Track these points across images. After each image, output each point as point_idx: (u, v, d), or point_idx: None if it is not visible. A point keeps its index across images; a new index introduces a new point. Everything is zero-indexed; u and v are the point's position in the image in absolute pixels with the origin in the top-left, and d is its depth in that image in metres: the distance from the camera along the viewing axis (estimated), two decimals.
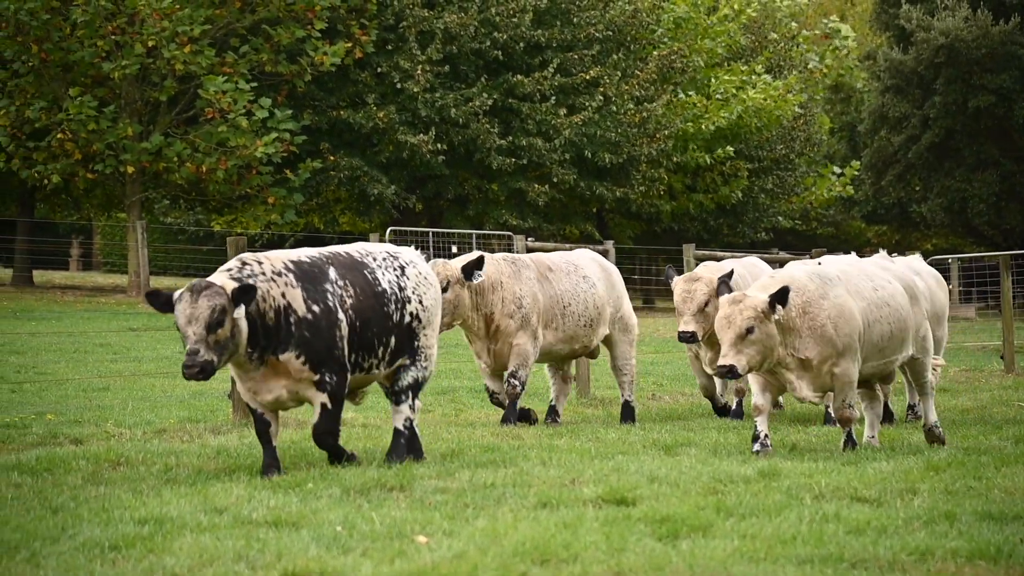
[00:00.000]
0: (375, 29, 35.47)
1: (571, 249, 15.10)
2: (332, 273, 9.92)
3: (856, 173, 47.98)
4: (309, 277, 9.77)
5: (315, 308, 9.69)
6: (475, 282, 13.03)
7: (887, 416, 14.05)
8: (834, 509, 8.35)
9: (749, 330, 10.66)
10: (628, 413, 14.15)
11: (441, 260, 13.08)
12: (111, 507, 8.44)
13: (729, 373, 10.69)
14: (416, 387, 10.48)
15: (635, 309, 15.68)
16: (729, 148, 41.25)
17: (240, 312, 9.36)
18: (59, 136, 32.66)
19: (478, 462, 10.43)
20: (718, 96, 42.11)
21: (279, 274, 9.64)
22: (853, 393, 11.14)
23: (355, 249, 10.33)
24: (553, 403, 14.12)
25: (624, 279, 14.66)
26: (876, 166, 46.88)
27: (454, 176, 37.45)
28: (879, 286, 11.48)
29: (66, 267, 51.27)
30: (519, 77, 36.70)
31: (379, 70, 36.15)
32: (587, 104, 36.88)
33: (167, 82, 32.84)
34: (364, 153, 36.61)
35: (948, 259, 36.96)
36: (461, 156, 36.96)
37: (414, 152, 35.64)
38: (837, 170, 48.97)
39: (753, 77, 43.29)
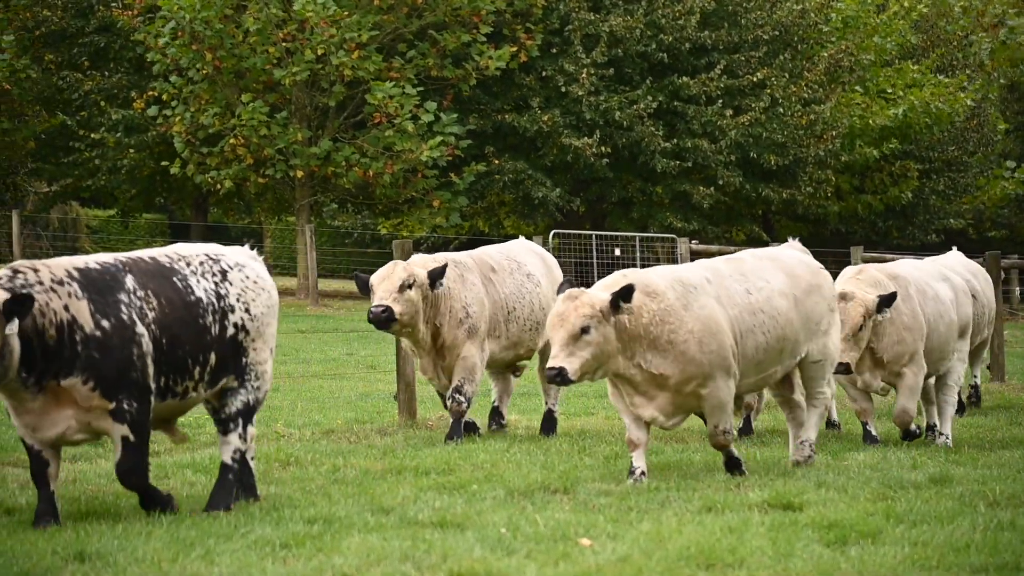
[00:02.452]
0: (540, 33, 35.59)
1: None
2: (129, 282, 8.34)
3: None
4: (98, 287, 8.20)
5: (105, 323, 8.12)
6: (438, 291, 11.85)
7: (746, 428, 12.86)
8: (1010, 517, 8.16)
9: (584, 329, 9.30)
10: (550, 424, 12.86)
11: (402, 262, 11.97)
12: (281, 506, 8.60)
13: (559, 376, 9.29)
14: (248, 412, 8.83)
15: None
16: (895, 141, 40.48)
17: (12, 328, 7.84)
18: (232, 141, 33.38)
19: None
20: (881, 96, 41.37)
21: (60, 283, 8.09)
22: (727, 417, 9.74)
23: (164, 253, 8.76)
24: (496, 404, 13.19)
25: None
26: None
27: (618, 179, 37.36)
28: (754, 288, 9.99)
29: None
30: (685, 79, 36.49)
31: (544, 74, 36.24)
32: (753, 105, 36.52)
33: (336, 88, 33.35)
34: (528, 156, 36.73)
35: None
36: (625, 159, 36.87)
37: (578, 155, 35.64)
38: (1011, 164, 47.74)
39: (920, 77, 42.42)
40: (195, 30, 32.77)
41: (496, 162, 36.09)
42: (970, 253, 15.71)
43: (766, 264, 10.23)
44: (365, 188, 35.05)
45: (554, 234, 33.92)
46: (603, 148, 35.60)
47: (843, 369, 11.47)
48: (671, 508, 8.59)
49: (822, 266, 10.50)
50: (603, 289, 9.58)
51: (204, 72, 33.31)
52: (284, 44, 33.10)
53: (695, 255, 29.31)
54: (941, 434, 12.55)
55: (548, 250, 16.80)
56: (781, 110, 36.98)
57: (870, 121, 40.02)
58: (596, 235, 34.57)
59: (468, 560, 7.07)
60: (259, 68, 33.10)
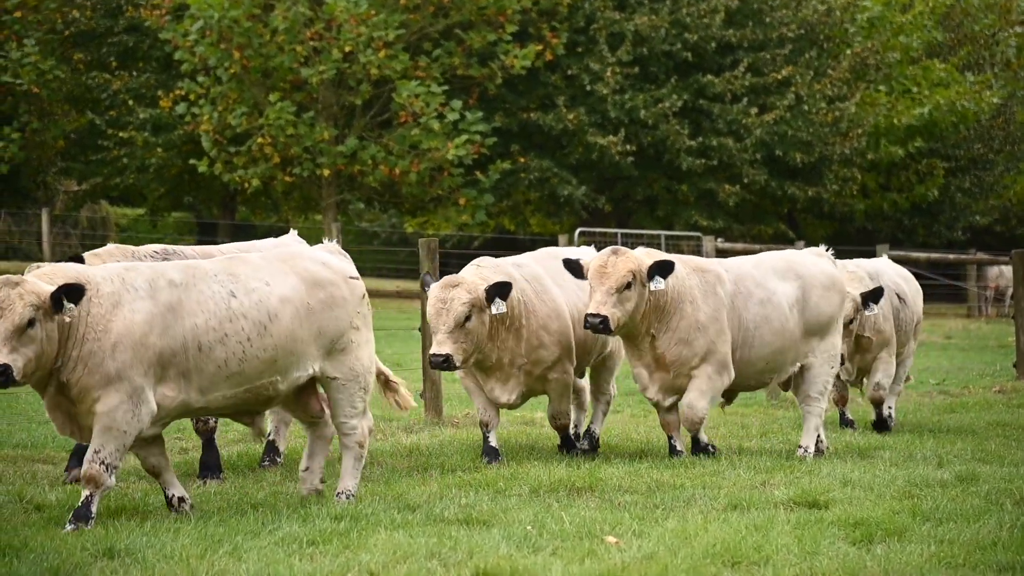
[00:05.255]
0: (565, 32, 35.62)
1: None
2: None
3: None
4: None
5: None
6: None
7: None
8: None
9: (30, 322, 7.96)
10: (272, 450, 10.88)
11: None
12: (308, 503, 8.65)
13: (1, 376, 7.92)
14: None
15: None
16: (919, 140, 40.35)
17: None
18: (259, 141, 33.50)
19: (667, 463, 10.41)
20: (906, 95, 41.23)
21: None
22: (113, 446, 8.09)
23: None
24: (271, 437, 10.98)
25: None
26: None
27: (643, 177, 37.36)
28: (243, 291, 8.49)
29: None
30: (710, 77, 36.47)
31: (569, 72, 36.27)
32: (778, 103, 36.47)
33: (362, 86, 33.44)
34: (554, 155, 36.76)
35: None
36: (650, 157, 36.87)
37: (603, 153, 35.67)
38: None
39: (946, 75, 42.25)
40: (223, 29, 32.90)
41: (522, 160, 36.14)
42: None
43: (277, 266, 8.73)
44: (391, 186, 35.15)
45: (580, 232, 33.92)
46: (628, 146, 35.61)
47: (598, 322, 10.20)
48: (696, 506, 8.60)
49: (356, 274, 9.05)
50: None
51: (232, 71, 33.42)
52: (311, 43, 33.20)
53: (720, 253, 29.32)
54: (800, 446, 11.14)
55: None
56: (806, 107, 36.93)
57: (895, 120, 39.91)
58: (622, 233, 34.56)
59: (494, 557, 7.09)
60: (286, 67, 33.21)
